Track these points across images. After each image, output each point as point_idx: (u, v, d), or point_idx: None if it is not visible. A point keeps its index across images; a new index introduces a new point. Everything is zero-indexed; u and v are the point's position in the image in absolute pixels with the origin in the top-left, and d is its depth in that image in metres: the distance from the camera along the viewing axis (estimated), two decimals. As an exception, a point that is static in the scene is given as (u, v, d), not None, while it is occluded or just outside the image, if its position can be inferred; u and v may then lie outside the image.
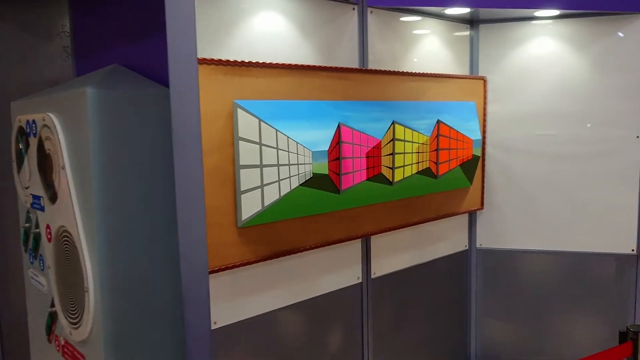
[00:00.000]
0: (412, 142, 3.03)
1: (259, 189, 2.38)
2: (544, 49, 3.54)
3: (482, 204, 3.72)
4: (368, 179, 2.81)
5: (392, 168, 2.94)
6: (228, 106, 2.32)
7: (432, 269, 3.57)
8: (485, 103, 3.64)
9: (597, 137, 3.49)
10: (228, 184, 2.35)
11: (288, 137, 2.42)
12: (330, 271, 2.94)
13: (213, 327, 2.45)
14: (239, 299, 2.54)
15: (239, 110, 2.31)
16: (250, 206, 2.37)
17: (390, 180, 2.94)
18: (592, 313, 3.64)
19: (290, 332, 2.80)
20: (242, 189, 2.35)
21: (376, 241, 3.14)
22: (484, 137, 3.64)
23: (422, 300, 3.54)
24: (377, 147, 2.83)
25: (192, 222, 1.27)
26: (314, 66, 2.63)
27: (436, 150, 3.19)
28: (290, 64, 2.54)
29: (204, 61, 2.23)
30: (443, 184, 3.29)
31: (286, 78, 2.53)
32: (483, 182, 3.70)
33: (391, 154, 2.92)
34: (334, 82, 2.73)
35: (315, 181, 2.53)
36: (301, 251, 2.68)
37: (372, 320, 3.18)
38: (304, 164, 2.47)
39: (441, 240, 3.61)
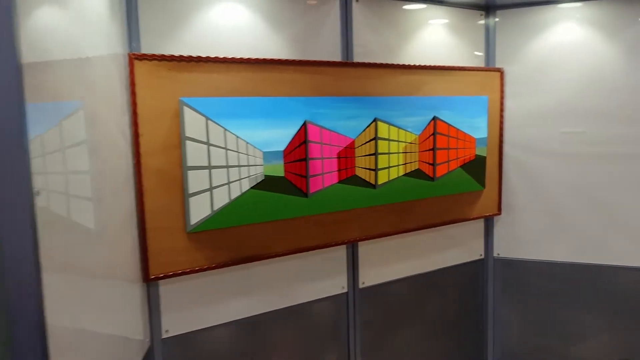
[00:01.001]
0: (398, 141, 2.76)
1: (208, 192, 2.24)
2: (569, 36, 3.13)
3: (499, 209, 3.36)
4: (341, 182, 2.58)
5: (375, 170, 2.69)
6: (174, 104, 2.19)
7: (439, 279, 3.27)
8: (502, 97, 3.28)
9: (631, 135, 3.05)
10: (176, 186, 2.23)
11: (237, 136, 2.25)
12: (309, 279, 2.74)
13: (164, 335, 2.35)
14: (196, 307, 2.42)
15: (185, 108, 2.18)
16: (199, 210, 2.24)
17: (373, 183, 2.69)
18: (621, 332, 3.19)
19: (258, 344, 2.64)
20: (190, 192, 2.21)
21: (365, 248, 2.90)
22: (501, 135, 3.28)
23: (426, 313, 3.25)
24: (350, 147, 2.60)
25: (14, 220, 1.14)
26: (278, 60, 2.44)
27: (432, 149, 2.89)
28: (249, 59, 2.36)
29: (143, 57, 2.12)
30: (443, 188, 2.98)
31: (246, 74, 2.36)
32: (500, 185, 3.34)
33: (373, 154, 2.67)
34: (305, 77, 2.52)
35: (269, 184, 2.35)
36: (269, 258, 2.51)
37: (360, 334, 2.94)
38: (255, 165, 2.30)
39: (450, 248, 3.30)
